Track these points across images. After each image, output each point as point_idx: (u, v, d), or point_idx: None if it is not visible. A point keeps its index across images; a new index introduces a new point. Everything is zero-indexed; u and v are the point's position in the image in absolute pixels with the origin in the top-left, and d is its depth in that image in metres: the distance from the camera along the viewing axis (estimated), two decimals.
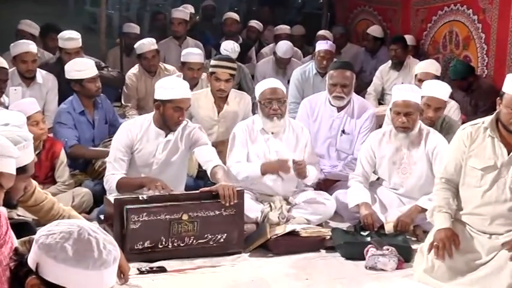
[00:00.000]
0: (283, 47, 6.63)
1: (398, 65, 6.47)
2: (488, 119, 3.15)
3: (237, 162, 4.07)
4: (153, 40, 6.02)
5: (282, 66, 6.69)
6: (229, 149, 4.18)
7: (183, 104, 3.79)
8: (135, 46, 6.01)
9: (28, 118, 3.96)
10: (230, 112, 4.89)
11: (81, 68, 4.60)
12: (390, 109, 4.10)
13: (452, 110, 4.94)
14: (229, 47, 6.12)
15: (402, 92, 4.02)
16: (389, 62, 6.55)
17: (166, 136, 3.89)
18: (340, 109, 4.75)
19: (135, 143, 3.86)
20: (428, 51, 6.98)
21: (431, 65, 5.11)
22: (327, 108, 4.79)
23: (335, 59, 5.81)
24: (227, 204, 3.52)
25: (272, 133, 4.16)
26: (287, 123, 4.18)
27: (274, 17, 9.15)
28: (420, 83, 4.86)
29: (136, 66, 5.98)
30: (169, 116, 3.78)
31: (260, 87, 4.17)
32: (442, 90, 4.29)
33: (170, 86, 3.79)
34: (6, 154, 2.08)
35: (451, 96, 5.50)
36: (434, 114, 4.23)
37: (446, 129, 4.29)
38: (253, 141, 4.16)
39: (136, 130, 3.87)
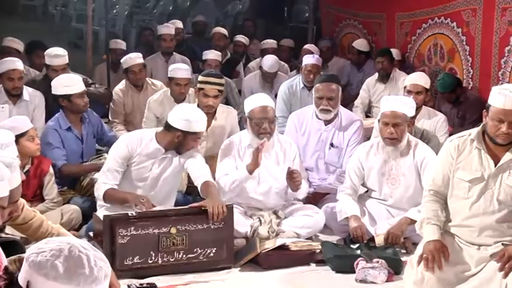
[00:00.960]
0: (269, 61, 6.65)
1: (385, 78, 6.51)
2: (474, 131, 3.17)
3: (225, 175, 4.07)
4: (139, 54, 6.04)
5: (269, 81, 6.71)
6: (218, 163, 4.19)
7: (202, 134, 3.95)
8: (122, 60, 6.02)
9: (24, 134, 3.99)
10: (218, 127, 4.90)
11: (69, 83, 4.61)
12: (378, 120, 4.13)
13: (440, 123, 4.99)
14: (211, 53, 6.51)
15: (390, 103, 4.05)
16: (376, 74, 6.59)
17: (164, 153, 3.92)
18: (327, 122, 4.77)
19: (134, 156, 3.89)
20: (413, 64, 7.05)
21: (420, 77, 5.14)
22: (314, 122, 4.81)
23: (321, 72, 5.85)
24: (215, 219, 3.52)
25: None
26: (275, 139, 4.18)
27: (258, 31, 9.21)
28: (409, 94, 4.91)
29: (123, 81, 5.98)
30: (188, 145, 3.86)
31: (250, 104, 4.14)
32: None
33: (195, 118, 3.84)
34: None
35: (439, 109, 5.57)
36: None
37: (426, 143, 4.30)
38: (242, 157, 4.16)
39: (135, 144, 3.90)
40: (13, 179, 2.38)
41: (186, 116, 3.84)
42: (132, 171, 3.91)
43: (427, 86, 5.08)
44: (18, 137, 3.93)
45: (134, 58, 5.90)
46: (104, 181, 3.83)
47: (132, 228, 3.42)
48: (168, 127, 3.88)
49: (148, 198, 3.68)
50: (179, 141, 3.85)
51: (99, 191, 3.83)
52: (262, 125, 4.03)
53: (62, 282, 1.49)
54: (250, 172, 3.99)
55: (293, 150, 4.26)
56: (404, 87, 5.12)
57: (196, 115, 3.91)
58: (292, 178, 4.01)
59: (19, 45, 6.45)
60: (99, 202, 3.90)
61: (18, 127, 3.99)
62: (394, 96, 4.36)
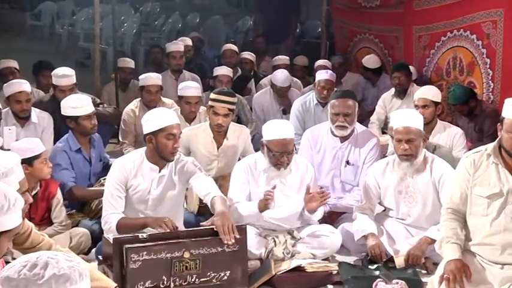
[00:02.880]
0: (281, 76, 6.68)
1: (402, 93, 6.51)
2: (491, 145, 3.19)
3: (237, 203, 4.08)
4: (160, 76, 6.15)
5: (283, 95, 6.73)
6: (230, 188, 4.19)
7: (174, 130, 3.82)
8: (140, 77, 6.09)
9: (38, 156, 4.05)
10: (230, 147, 4.93)
11: (77, 105, 4.66)
12: (391, 136, 4.14)
13: (457, 137, 5.00)
14: (222, 68, 6.62)
15: (402, 119, 4.07)
16: (393, 89, 6.60)
17: (160, 171, 3.92)
18: (343, 139, 4.80)
19: (130, 179, 3.89)
20: (431, 78, 7.06)
21: (428, 91, 5.15)
22: (329, 139, 4.84)
23: (335, 89, 5.89)
24: (229, 243, 3.52)
25: None
26: (292, 162, 4.14)
27: (269, 48, 9.27)
28: (417, 109, 4.93)
29: (135, 101, 6.04)
30: (164, 146, 3.81)
31: (269, 133, 4.06)
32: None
33: (156, 116, 3.86)
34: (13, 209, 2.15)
35: (456, 123, 5.57)
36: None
37: None
38: (256, 182, 4.16)
39: (129, 166, 3.90)
40: (11, 184, 2.42)
41: (147, 117, 3.88)
42: (132, 196, 3.90)
43: (435, 99, 5.07)
44: (32, 159, 4.01)
45: (154, 78, 5.98)
46: (111, 211, 3.80)
47: (145, 253, 3.41)
48: (144, 140, 3.91)
49: (170, 219, 3.68)
50: (154, 146, 3.82)
51: (110, 223, 3.78)
52: (280, 158, 4.03)
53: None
54: (261, 211, 4.01)
55: (309, 173, 4.27)
56: (414, 101, 5.16)
57: (156, 112, 3.93)
58: (311, 200, 4.04)
59: (15, 63, 6.57)
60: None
61: (33, 149, 4.05)
62: (405, 111, 4.35)
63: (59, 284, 1.51)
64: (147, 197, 3.93)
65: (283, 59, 7.95)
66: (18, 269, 1.54)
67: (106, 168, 4.79)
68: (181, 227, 3.94)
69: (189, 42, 8.17)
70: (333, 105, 4.75)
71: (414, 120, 4.06)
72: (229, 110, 4.82)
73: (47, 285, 1.51)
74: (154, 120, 3.82)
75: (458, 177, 3.26)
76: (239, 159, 4.81)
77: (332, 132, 4.81)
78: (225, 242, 3.51)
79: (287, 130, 4.08)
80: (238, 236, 3.55)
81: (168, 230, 3.58)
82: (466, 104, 5.78)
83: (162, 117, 3.83)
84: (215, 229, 3.57)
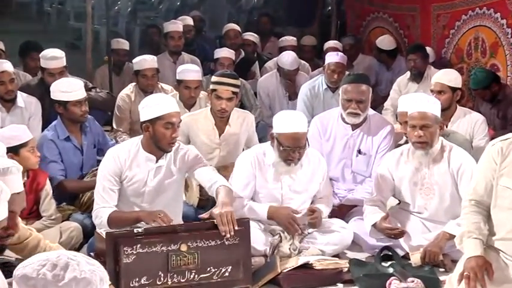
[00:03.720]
0: (288, 58, 6.63)
1: (418, 77, 6.48)
2: None
3: (239, 198, 4.07)
4: (155, 58, 6.12)
5: (292, 79, 6.69)
6: (233, 179, 4.17)
7: (173, 118, 3.81)
8: (134, 61, 6.08)
9: (25, 144, 4.04)
10: (232, 134, 4.92)
11: (68, 89, 4.65)
12: (400, 122, 4.11)
13: (478, 124, 4.97)
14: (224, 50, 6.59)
15: (417, 103, 4.05)
16: (408, 73, 6.59)
17: (157, 161, 3.91)
18: (355, 126, 4.78)
19: (124, 170, 3.89)
20: (451, 61, 7.04)
21: (445, 75, 5.09)
22: (340, 126, 4.82)
23: (347, 72, 5.86)
24: (228, 236, 3.52)
25: None
26: (303, 156, 4.11)
27: (274, 28, 9.22)
28: (432, 94, 4.91)
29: (130, 86, 6.04)
30: (162, 136, 3.80)
31: (281, 126, 4.01)
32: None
33: (155, 102, 3.85)
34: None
35: (477, 109, 5.54)
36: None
37: None
38: (264, 176, 4.14)
39: (124, 156, 3.90)
40: (11, 186, 2.42)
41: (145, 103, 3.87)
42: (126, 188, 3.90)
43: (453, 84, 5.00)
44: (19, 148, 4.00)
45: (149, 61, 5.96)
46: (103, 205, 3.81)
47: (138, 245, 3.42)
48: (141, 128, 3.90)
49: (165, 212, 3.68)
50: (151, 135, 3.81)
51: (101, 217, 3.78)
52: (291, 153, 4.00)
53: None
54: (269, 219, 4.04)
55: (321, 168, 4.26)
56: (430, 85, 5.14)
57: (155, 98, 3.93)
58: (311, 217, 4.08)
59: (0, 44, 6.56)
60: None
61: (20, 136, 4.04)
62: (420, 95, 4.32)
63: None
64: (142, 189, 3.92)
65: (290, 40, 7.92)
66: (37, 268, 1.55)
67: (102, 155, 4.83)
68: (179, 221, 3.94)
69: (189, 21, 8.09)
70: (345, 91, 4.71)
71: (430, 105, 4.04)
72: (233, 93, 4.81)
73: (67, 286, 1.53)
74: (152, 107, 3.81)
75: (483, 167, 3.23)
76: (243, 150, 4.80)
77: (343, 119, 4.79)
78: (223, 233, 3.50)
79: (300, 123, 4.03)
80: (237, 228, 3.53)
81: (164, 225, 3.58)
82: (488, 88, 5.76)
83: (160, 104, 3.82)
84: (214, 221, 3.56)
